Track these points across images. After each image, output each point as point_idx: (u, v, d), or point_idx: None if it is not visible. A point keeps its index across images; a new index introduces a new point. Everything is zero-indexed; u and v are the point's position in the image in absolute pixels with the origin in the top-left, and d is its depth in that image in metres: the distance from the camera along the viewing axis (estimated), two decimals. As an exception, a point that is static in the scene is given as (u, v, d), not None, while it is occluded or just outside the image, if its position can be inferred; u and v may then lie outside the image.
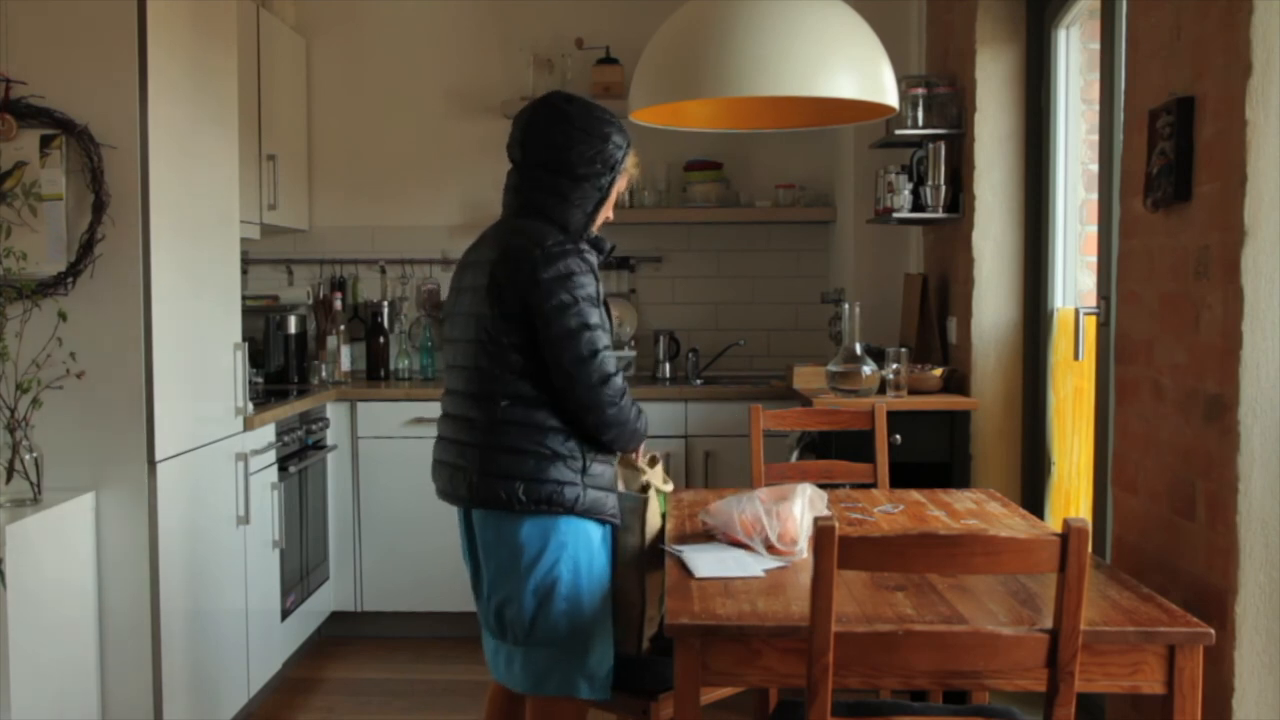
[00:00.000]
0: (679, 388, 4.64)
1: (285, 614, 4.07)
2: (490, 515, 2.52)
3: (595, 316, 2.48)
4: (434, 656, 4.44)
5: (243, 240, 3.86)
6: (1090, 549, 1.88)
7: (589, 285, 2.48)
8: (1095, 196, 3.22)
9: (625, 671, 2.60)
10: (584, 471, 2.51)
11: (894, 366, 3.83)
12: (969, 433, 3.79)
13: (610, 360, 2.49)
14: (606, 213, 2.62)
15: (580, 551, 2.52)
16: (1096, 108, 3.22)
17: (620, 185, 2.61)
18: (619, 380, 2.50)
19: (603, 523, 2.56)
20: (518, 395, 2.49)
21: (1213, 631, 1.96)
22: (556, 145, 2.52)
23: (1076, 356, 3.42)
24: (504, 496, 2.47)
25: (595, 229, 2.60)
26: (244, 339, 3.72)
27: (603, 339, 2.49)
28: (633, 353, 4.98)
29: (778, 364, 5.02)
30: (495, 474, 2.48)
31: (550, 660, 2.52)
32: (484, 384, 2.51)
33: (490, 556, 2.55)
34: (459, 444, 2.56)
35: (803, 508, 2.45)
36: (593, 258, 2.52)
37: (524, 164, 2.58)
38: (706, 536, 2.57)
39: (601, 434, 2.51)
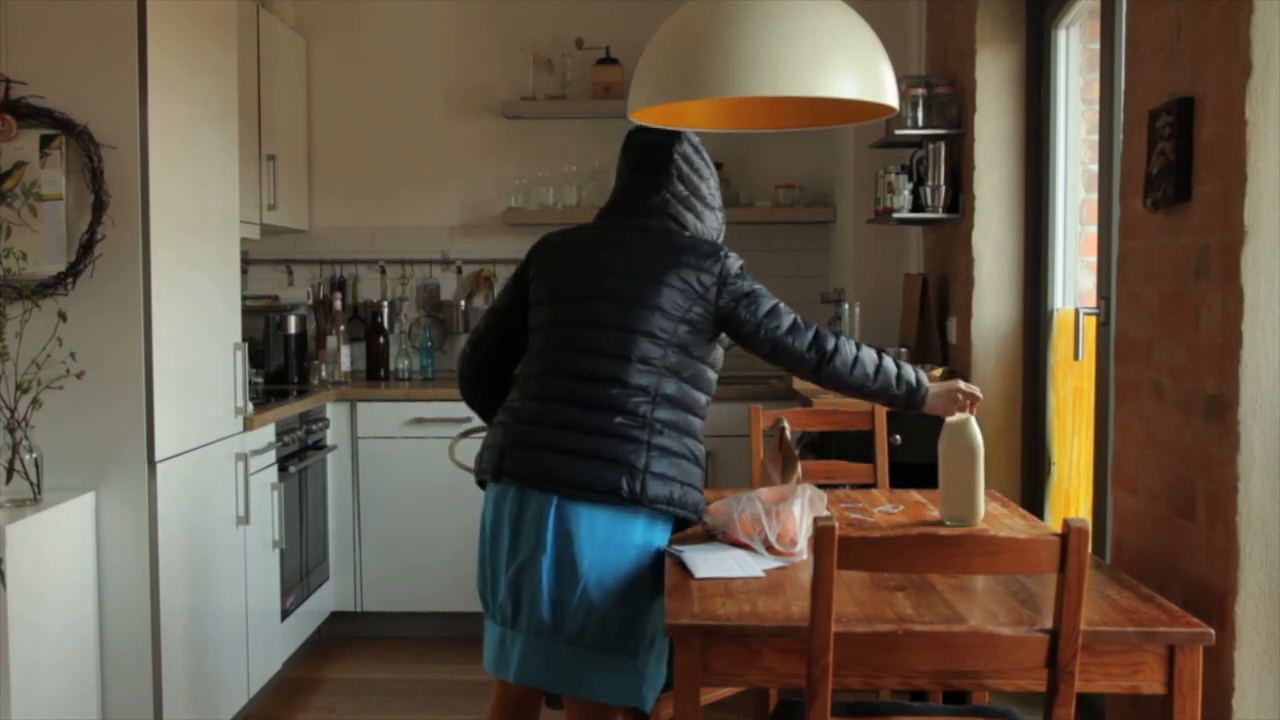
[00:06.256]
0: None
1: (285, 614, 4.07)
2: (606, 511, 2.43)
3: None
4: (434, 656, 4.44)
5: (243, 240, 3.87)
6: (1090, 549, 1.88)
7: None
8: (1095, 196, 3.22)
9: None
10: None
11: (894, 366, 3.82)
12: (969, 433, 3.78)
13: (816, 325, 2.60)
14: None
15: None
16: (1096, 108, 3.22)
17: None
18: (842, 343, 2.58)
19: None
20: (668, 396, 2.50)
21: (1213, 631, 1.96)
22: (698, 172, 2.65)
23: (1076, 356, 3.42)
24: (672, 496, 2.46)
25: None
26: (244, 339, 3.72)
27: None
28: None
29: (778, 364, 5.01)
30: (658, 474, 2.45)
31: (624, 668, 2.46)
32: (635, 377, 2.47)
33: (593, 555, 2.42)
34: (598, 434, 2.46)
35: (802, 508, 2.45)
36: None
37: (665, 177, 2.62)
38: (707, 536, 2.57)
39: (845, 370, 2.57)
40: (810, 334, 2.56)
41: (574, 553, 2.43)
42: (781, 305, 2.58)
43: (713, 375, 2.63)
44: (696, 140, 2.67)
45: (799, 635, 1.95)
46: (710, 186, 2.67)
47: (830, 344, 2.56)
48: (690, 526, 2.59)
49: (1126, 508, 2.60)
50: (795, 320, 2.57)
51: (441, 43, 5.14)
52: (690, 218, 2.62)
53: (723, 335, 2.61)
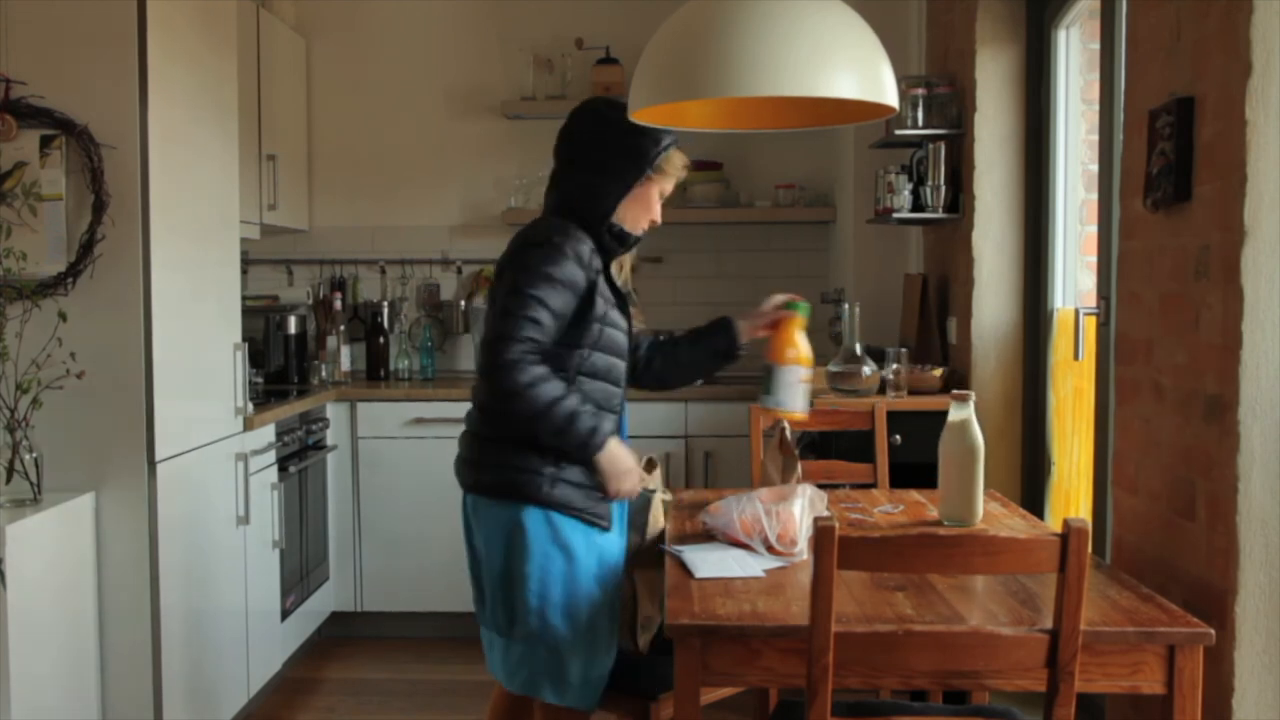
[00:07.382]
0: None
1: (285, 614, 4.07)
2: (479, 501, 2.57)
3: (532, 302, 2.39)
4: (434, 656, 4.44)
5: (243, 240, 3.87)
6: (1090, 549, 1.88)
7: (557, 269, 2.43)
8: (1095, 196, 3.22)
9: (624, 672, 2.59)
10: (558, 464, 2.47)
11: (894, 366, 3.82)
12: (969, 433, 3.78)
13: (514, 349, 2.36)
14: (644, 209, 2.59)
15: (550, 548, 2.47)
16: (1096, 108, 3.22)
17: (662, 185, 2.59)
18: (518, 377, 2.36)
19: (584, 522, 2.50)
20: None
21: (1213, 631, 1.96)
22: (586, 141, 2.60)
23: (1076, 356, 3.42)
24: (486, 481, 2.53)
25: (630, 225, 2.58)
26: (244, 339, 3.72)
27: (522, 327, 2.38)
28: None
29: (778, 364, 5.01)
30: (481, 460, 2.55)
31: (522, 655, 2.53)
32: (479, 371, 2.60)
33: (488, 549, 2.55)
34: (464, 432, 2.66)
35: (802, 508, 2.45)
36: (586, 246, 2.49)
37: (559, 160, 2.65)
38: (706, 536, 2.57)
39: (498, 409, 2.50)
40: (507, 355, 2.37)
41: (478, 547, 2.59)
42: (523, 316, 2.38)
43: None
44: (605, 106, 2.59)
45: (799, 635, 1.95)
46: (606, 145, 2.54)
47: (511, 379, 2.37)
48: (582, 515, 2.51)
49: (1126, 508, 2.60)
50: (506, 334, 2.38)
51: (441, 43, 5.14)
52: (579, 194, 2.56)
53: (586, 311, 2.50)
